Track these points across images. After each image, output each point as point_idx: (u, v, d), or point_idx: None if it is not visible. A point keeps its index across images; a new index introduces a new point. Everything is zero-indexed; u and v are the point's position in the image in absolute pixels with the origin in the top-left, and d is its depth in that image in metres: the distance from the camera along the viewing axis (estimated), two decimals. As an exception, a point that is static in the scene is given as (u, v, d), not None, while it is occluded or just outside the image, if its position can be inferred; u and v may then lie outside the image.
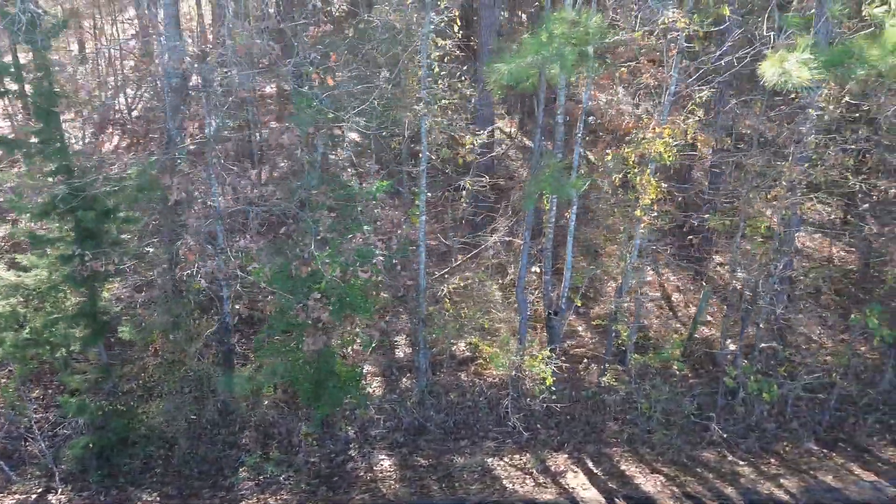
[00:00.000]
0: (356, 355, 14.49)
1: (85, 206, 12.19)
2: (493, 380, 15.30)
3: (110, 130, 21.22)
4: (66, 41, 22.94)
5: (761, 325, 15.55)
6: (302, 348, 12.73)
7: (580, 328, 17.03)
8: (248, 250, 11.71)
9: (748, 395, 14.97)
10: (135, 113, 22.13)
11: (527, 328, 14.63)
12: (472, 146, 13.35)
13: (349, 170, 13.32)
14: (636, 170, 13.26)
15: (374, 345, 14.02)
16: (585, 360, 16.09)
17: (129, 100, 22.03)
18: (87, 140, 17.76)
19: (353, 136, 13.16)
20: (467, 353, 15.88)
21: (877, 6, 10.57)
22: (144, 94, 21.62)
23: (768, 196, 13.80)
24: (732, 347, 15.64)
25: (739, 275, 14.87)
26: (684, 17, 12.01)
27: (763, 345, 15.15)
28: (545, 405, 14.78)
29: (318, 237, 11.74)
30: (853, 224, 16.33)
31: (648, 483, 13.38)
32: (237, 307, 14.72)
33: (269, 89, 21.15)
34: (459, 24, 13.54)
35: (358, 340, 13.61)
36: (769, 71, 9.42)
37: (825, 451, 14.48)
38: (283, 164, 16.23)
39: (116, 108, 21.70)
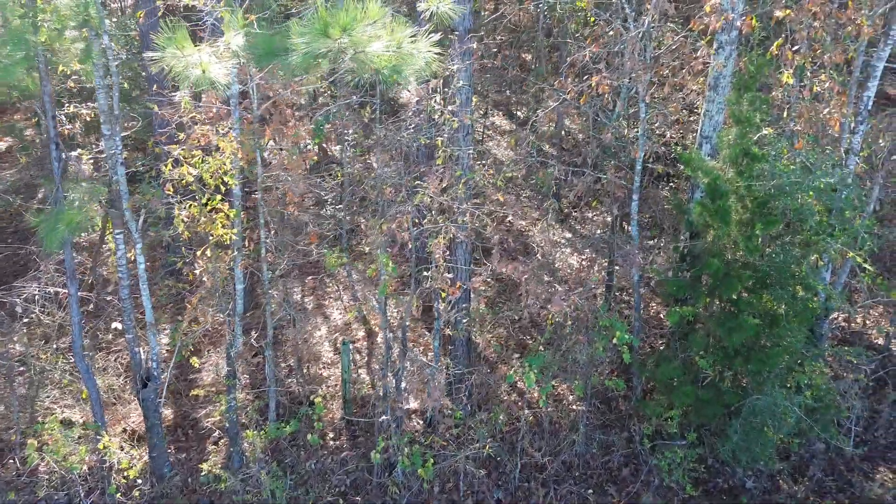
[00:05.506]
0: None
1: None
2: (80, 470, 11.80)
3: None
4: None
5: (432, 385, 12.61)
6: None
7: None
8: None
9: (404, 471, 12.01)
10: None
11: (101, 404, 11.19)
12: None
13: None
14: (205, 199, 10.04)
15: None
16: (216, 435, 12.80)
17: None
18: None
19: None
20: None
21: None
22: None
23: (391, 224, 10.77)
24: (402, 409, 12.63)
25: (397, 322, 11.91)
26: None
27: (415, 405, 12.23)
28: (144, 501, 11.51)
29: None
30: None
31: None
32: None
33: None
34: None
35: None
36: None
37: (492, 537, 11.63)
38: None
39: None
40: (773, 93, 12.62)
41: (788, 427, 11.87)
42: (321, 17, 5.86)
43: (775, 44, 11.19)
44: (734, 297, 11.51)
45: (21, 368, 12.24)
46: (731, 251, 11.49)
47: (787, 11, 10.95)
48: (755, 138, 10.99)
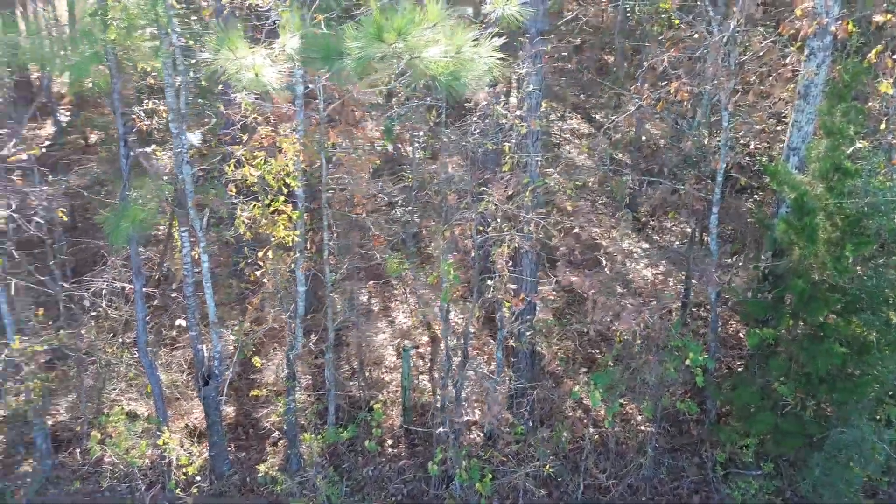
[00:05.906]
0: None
1: None
2: (141, 463, 11.97)
3: None
4: None
5: (491, 398, 12.27)
6: None
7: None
8: None
9: (462, 485, 11.71)
10: None
11: (163, 399, 11.31)
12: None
13: None
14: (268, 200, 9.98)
15: None
16: (276, 435, 12.78)
17: None
18: None
19: None
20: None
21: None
22: None
23: (454, 231, 10.49)
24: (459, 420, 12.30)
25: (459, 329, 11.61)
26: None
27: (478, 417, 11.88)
28: (202, 496, 11.58)
29: None
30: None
31: None
32: None
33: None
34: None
35: None
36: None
37: (549, 560, 11.20)
38: None
39: None
40: (870, 103, 11.72)
41: (877, 464, 11.01)
42: (375, 20, 5.59)
43: (874, 50, 10.34)
44: (820, 320, 10.74)
45: (92, 358, 12.49)
46: (818, 272, 10.70)
47: (889, 16, 10.11)
48: (848, 152, 10.20)
